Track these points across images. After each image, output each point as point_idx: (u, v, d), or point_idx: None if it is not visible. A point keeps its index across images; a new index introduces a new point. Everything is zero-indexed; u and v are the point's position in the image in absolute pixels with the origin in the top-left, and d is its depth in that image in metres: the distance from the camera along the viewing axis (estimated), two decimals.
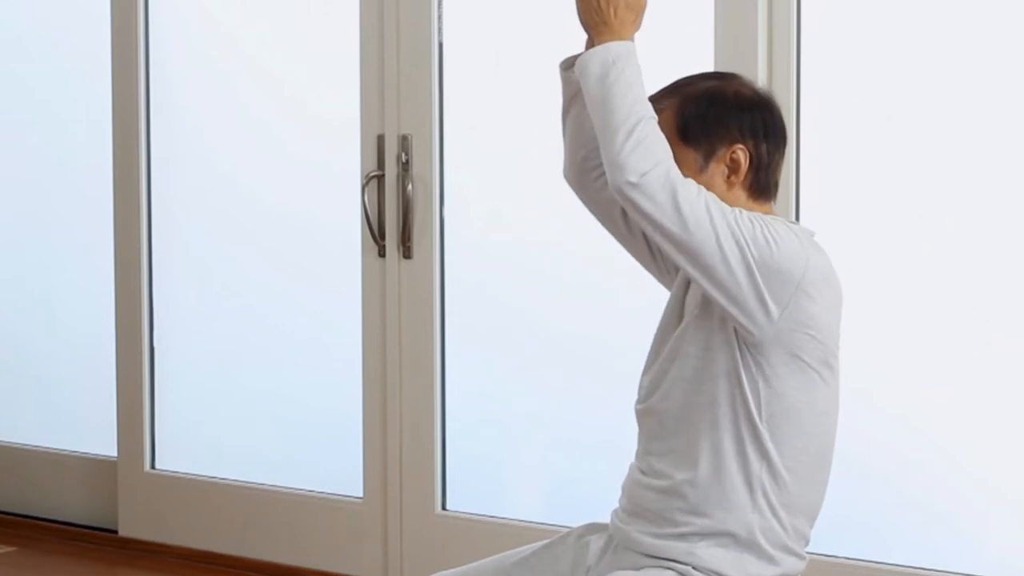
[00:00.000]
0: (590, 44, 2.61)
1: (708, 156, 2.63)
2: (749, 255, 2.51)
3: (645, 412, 2.72)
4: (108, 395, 5.21)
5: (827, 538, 3.96)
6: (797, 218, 3.92)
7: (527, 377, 4.48)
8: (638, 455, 2.74)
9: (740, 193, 2.65)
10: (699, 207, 2.49)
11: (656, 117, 2.54)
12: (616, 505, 2.77)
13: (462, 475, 4.56)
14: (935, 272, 3.81)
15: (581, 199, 2.81)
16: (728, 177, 2.64)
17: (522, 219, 4.43)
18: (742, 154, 2.64)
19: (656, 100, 2.65)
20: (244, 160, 4.94)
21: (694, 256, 2.51)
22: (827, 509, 3.97)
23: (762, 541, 2.61)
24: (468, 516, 4.51)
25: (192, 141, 5.04)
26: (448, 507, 4.56)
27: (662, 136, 2.52)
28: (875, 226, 3.88)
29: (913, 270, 3.83)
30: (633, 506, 2.70)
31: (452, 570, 2.82)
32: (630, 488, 2.73)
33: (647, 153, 2.48)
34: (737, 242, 2.51)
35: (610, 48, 2.55)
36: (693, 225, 2.49)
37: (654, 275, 2.84)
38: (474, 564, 2.82)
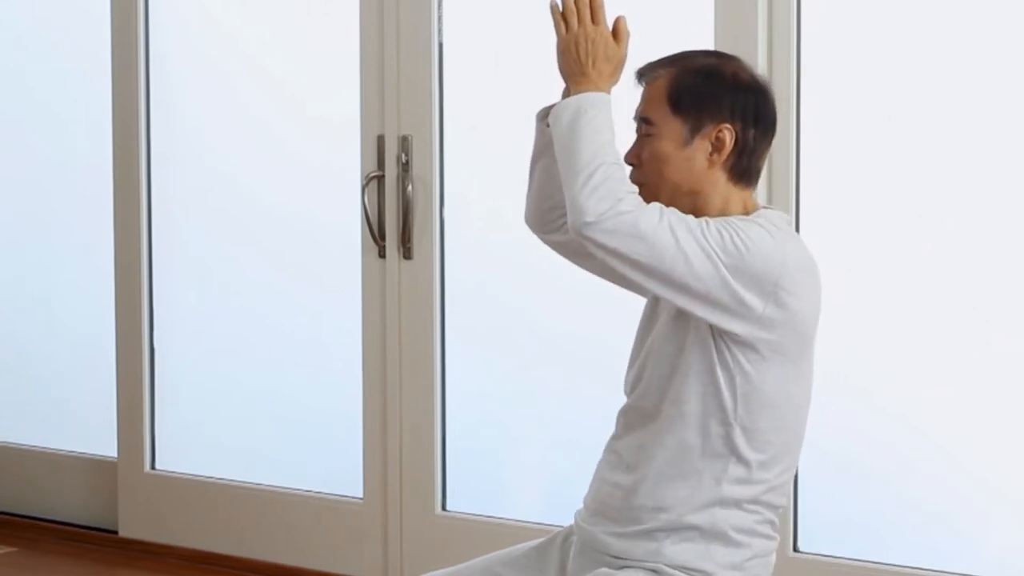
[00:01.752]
0: (567, 94, 2.64)
1: (695, 130, 2.63)
2: (721, 265, 2.51)
3: (625, 410, 2.73)
4: (108, 395, 5.21)
5: (827, 538, 3.97)
6: (797, 218, 3.92)
7: (527, 377, 4.48)
8: (607, 451, 2.75)
9: (720, 174, 2.64)
10: (662, 231, 2.50)
11: (622, 163, 2.55)
12: (580, 505, 2.78)
13: (462, 475, 4.56)
14: (935, 272, 3.81)
15: (542, 240, 2.84)
16: (710, 155, 2.63)
17: (522, 219, 4.41)
18: (728, 134, 2.63)
19: (654, 68, 2.67)
20: (244, 160, 4.94)
21: (666, 279, 2.52)
22: (827, 509, 3.99)
23: (727, 531, 2.62)
24: (468, 516, 4.51)
25: (192, 141, 5.04)
26: (448, 507, 4.56)
27: (625, 178, 2.54)
28: (875, 226, 3.88)
29: (913, 270, 3.83)
30: (598, 504, 2.71)
31: (442, 570, 2.83)
32: (597, 487, 2.74)
33: (607, 194, 2.50)
34: (708, 256, 2.51)
35: (584, 97, 2.59)
36: (660, 249, 2.50)
37: (630, 289, 2.82)
38: (464, 564, 2.83)
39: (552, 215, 2.79)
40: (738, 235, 2.53)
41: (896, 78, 3.83)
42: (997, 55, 3.72)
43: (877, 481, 3.90)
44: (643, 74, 2.67)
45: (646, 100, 2.66)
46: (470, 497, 4.55)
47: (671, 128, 2.62)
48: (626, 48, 2.65)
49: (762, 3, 3.91)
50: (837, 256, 3.94)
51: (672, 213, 2.53)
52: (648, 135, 2.64)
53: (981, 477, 3.77)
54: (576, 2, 2.64)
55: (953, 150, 3.77)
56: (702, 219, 2.55)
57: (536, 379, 4.46)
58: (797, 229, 3.92)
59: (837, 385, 3.94)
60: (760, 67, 3.87)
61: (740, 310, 2.54)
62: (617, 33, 2.65)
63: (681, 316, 2.62)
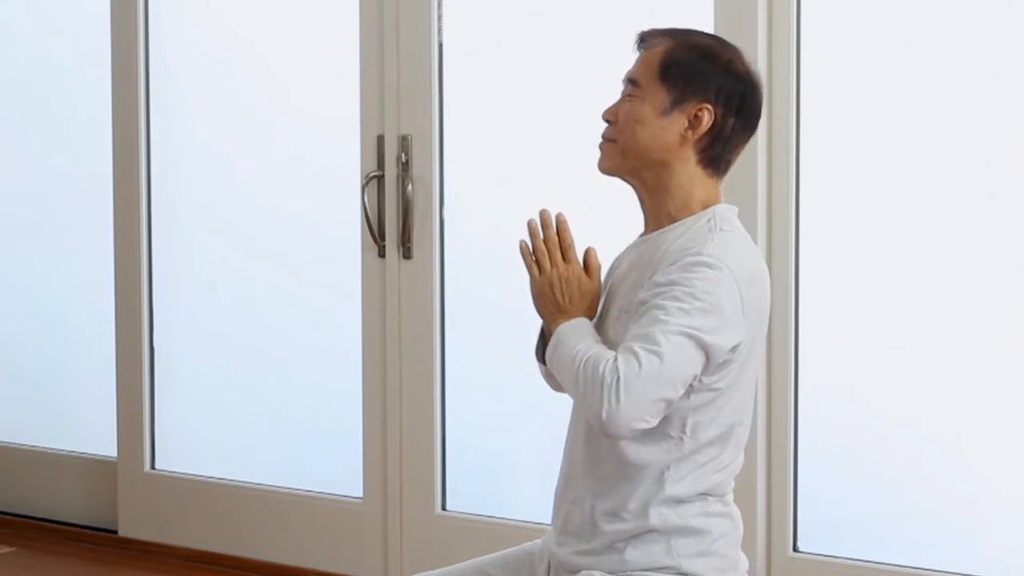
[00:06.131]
0: (547, 329, 2.66)
1: (676, 103, 2.63)
2: (704, 336, 2.52)
3: (572, 424, 2.75)
4: (108, 395, 5.21)
5: (827, 538, 3.97)
6: (797, 218, 3.92)
7: (527, 377, 4.46)
8: (562, 467, 2.76)
9: (690, 154, 2.64)
10: (647, 361, 2.49)
11: (594, 353, 2.53)
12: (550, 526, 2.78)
13: (462, 475, 4.56)
14: (936, 272, 3.81)
15: None
16: (685, 130, 2.63)
17: (522, 220, 4.40)
18: (707, 115, 2.63)
19: (655, 35, 2.67)
20: (244, 160, 4.94)
21: (681, 382, 2.52)
22: (827, 509, 3.99)
23: (685, 522, 2.62)
24: (468, 516, 4.51)
25: (192, 141, 5.04)
26: (448, 507, 4.56)
27: (599, 356, 2.52)
28: (875, 226, 3.88)
29: (913, 270, 3.83)
30: (562, 523, 2.72)
31: (435, 571, 2.83)
32: (557, 505, 2.75)
33: (594, 386, 2.49)
34: (691, 337, 2.51)
35: (561, 328, 2.62)
36: (659, 376, 2.48)
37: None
38: (456, 565, 2.83)
39: None
40: (695, 296, 2.52)
41: (896, 78, 3.83)
42: (997, 54, 3.72)
43: (877, 481, 3.90)
44: (643, 39, 2.68)
45: (638, 63, 2.67)
46: (470, 497, 4.55)
47: (654, 95, 2.63)
48: (599, 280, 2.67)
49: (762, 3, 3.91)
50: (836, 256, 3.94)
51: (636, 341, 2.51)
52: (631, 96, 2.65)
53: (981, 477, 3.77)
54: (546, 242, 2.66)
55: (954, 150, 3.77)
56: (654, 305, 2.53)
57: (536, 379, 4.44)
58: (797, 229, 3.93)
59: (837, 386, 3.94)
60: (760, 66, 3.87)
61: (730, 352, 2.57)
62: (588, 267, 2.67)
63: (626, 320, 2.62)
